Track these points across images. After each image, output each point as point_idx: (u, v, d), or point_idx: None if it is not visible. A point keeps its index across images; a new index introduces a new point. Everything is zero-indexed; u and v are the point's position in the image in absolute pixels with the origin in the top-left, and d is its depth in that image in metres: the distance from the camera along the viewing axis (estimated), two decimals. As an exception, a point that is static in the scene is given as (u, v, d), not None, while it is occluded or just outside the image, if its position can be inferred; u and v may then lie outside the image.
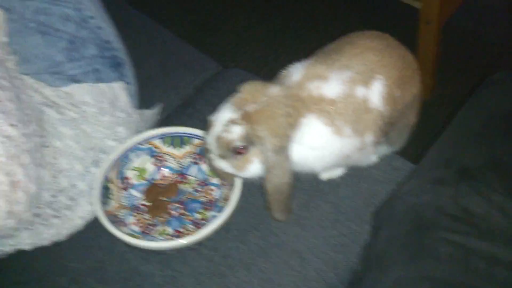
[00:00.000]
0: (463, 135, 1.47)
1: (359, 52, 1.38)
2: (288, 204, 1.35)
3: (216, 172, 1.38)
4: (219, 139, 1.29)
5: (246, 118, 1.26)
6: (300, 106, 1.30)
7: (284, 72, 1.40)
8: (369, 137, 1.37)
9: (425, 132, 2.48)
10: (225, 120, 1.28)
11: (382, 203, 1.46)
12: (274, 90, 1.29)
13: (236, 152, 1.29)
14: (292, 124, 1.28)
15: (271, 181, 1.30)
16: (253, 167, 1.32)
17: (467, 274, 1.13)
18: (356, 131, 1.34)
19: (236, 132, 1.27)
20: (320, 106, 1.31)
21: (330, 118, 1.31)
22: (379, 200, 1.49)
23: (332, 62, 1.36)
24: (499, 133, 1.41)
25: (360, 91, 1.33)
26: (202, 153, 1.51)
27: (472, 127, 1.47)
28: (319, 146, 1.34)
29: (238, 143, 1.28)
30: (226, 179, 1.43)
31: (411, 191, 1.36)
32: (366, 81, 1.34)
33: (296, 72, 1.36)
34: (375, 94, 1.34)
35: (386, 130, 1.40)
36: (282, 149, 1.27)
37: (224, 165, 1.34)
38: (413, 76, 1.45)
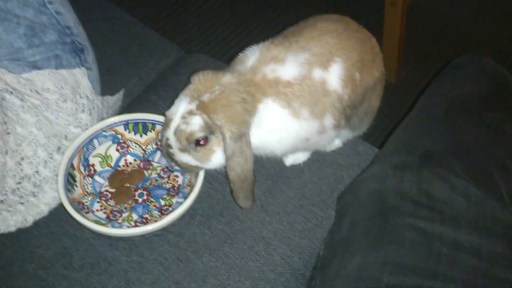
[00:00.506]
0: (425, 120, 1.48)
1: (316, 34, 1.37)
2: (252, 191, 1.35)
3: (179, 167, 1.36)
4: (179, 132, 1.28)
5: (203, 108, 1.25)
6: (255, 91, 1.29)
7: (240, 56, 1.39)
8: (329, 120, 1.37)
9: (390, 116, 2.52)
10: (183, 113, 1.27)
11: (346, 188, 1.48)
12: (226, 77, 1.29)
13: (198, 143, 1.28)
14: (248, 110, 1.28)
15: (233, 169, 1.29)
16: (216, 157, 1.32)
17: (430, 259, 1.14)
18: (313, 113, 1.34)
19: (196, 123, 1.26)
20: (276, 88, 1.30)
21: (287, 100, 1.31)
22: (343, 185, 1.51)
23: (289, 44, 1.35)
24: (461, 117, 1.43)
25: (317, 73, 1.33)
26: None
27: (435, 112, 1.48)
28: (277, 128, 1.34)
29: (199, 134, 1.27)
30: (191, 172, 1.42)
31: (373, 176, 1.37)
32: (323, 64, 1.34)
33: (251, 55, 1.35)
34: (333, 76, 1.34)
35: (348, 114, 1.40)
36: (241, 136, 1.26)
37: (187, 159, 1.32)
38: (374, 59, 1.46)
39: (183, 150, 1.30)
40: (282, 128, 1.34)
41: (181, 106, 1.28)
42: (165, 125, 1.32)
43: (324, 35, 1.37)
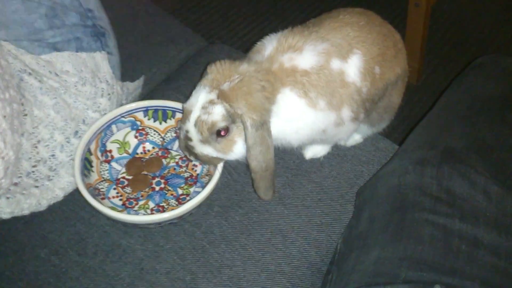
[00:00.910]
0: (447, 117, 1.47)
1: (338, 26, 1.35)
2: (273, 181, 1.33)
3: (199, 160, 1.34)
4: (200, 123, 1.25)
5: (223, 96, 1.23)
6: (273, 79, 1.27)
7: (257, 45, 1.37)
8: (346, 112, 1.34)
9: (411, 117, 2.50)
10: (203, 103, 1.24)
11: (365, 183, 1.46)
12: (244, 66, 1.26)
13: (219, 134, 1.26)
14: (268, 97, 1.25)
15: (255, 158, 1.27)
16: (238, 148, 1.29)
17: (449, 256, 1.12)
18: (331, 104, 1.31)
19: (217, 113, 1.23)
20: (293, 77, 1.28)
21: (304, 90, 1.28)
22: (362, 181, 1.49)
23: (309, 33, 1.33)
24: (482, 115, 1.41)
25: (335, 64, 1.31)
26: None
27: (457, 110, 1.46)
28: (294, 118, 1.31)
29: (222, 124, 1.24)
30: (211, 164, 1.39)
31: (394, 171, 1.34)
32: (342, 55, 1.31)
33: (268, 44, 1.33)
34: (352, 68, 1.32)
35: (367, 108, 1.38)
36: (262, 124, 1.24)
37: (208, 151, 1.29)
38: (397, 55, 1.43)
39: (204, 141, 1.27)
40: (299, 118, 1.32)
41: (201, 96, 1.25)
42: (184, 117, 1.29)
43: (345, 26, 1.35)
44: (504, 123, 1.39)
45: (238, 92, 1.22)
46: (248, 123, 1.22)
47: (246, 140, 1.26)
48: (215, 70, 1.26)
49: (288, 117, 1.31)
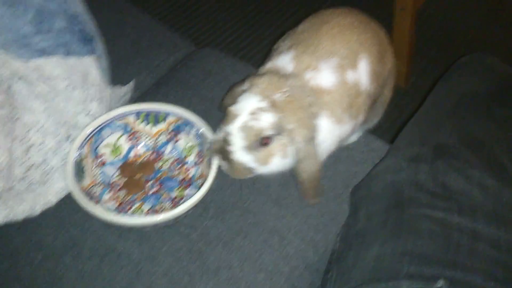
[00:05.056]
0: (436, 114, 1.48)
1: (337, 32, 1.35)
2: (320, 187, 1.34)
3: (230, 167, 1.31)
4: (246, 128, 1.24)
5: (275, 106, 1.23)
6: (315, 97, 1.28)
7: (270, 66, 1.36)
8: (360, 118, 1.37)
9: (399, 120, 2.50)
10: (253, 109, 1.23)
11: (359, 182, 1.45)
12: (290, 80, 1.27)
13: (261, 143, 1.25)
14: (314, 113, 1.26)
15: (306, 171, 1.28)
16: (274, 161, 1.29)
17: (449, 250, 1.12)
18: (351, 116, 1.34)
19: (267, 120, 1.23)
20: (322, 97, 1.29)
21: (331, 109, 1.30)
22: (357, 181, 1.48)
23: (314, 48, 1.33)
24: (470, 111, 1.43)
25: (350, 76, 1.32)
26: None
27: (445, 106, 1.48)
28: (325, 140, 1.33)
29: (269, 131, 1.23)
30: (240, 176, 1.34)
31: (388, 169, 1.35)
32: (352, 64, 1.33)
33: (287, 65, 1.33)
34: (362, 75, 1.34)
35: (370, 108, 1.40)
36: (311, 139, 1.25)
37: (246, 159, 1.28)
38: (386, 50, 1.46)
39: (246, 148, 1.26)
40: (329, 138, 1.34)
41: (250, 103, 1.24)
42: (227, 120, 1.27)
43: (343, 32, 1.36)
44: (491, 119, 1.40)
45: (289, 105, 1.23)
46: (299, 138, 1.23)
47: (296, 154, 1.26)
48: (266, 81, 1.26)
49: (321, 139, 1.31)
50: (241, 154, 1.27)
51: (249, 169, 1.31)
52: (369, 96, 1.36)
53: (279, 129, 1.24)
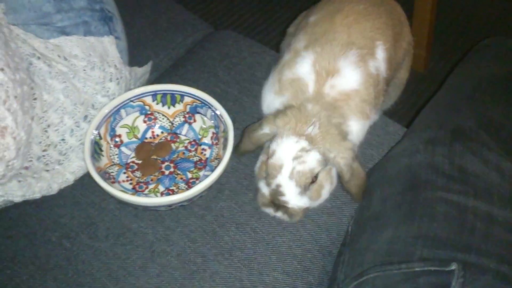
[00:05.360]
0: (455, 97, 1.47)
1: (353, 20, 1.34)
2: (366, 187, 1.35)
3: (287, 217, 1.29)
4: (297, 174, 1.22)
5: (313, 142, 1.22)
6: (338, 112, 1.28)
7: (289, 75, 1.35)
8: (380, 103, 1.39)
9: (417, 106, 2.48)
10: (295, 153, 1.22)
11: (374, 165, 1.46)
12: (310, 107, 1.25)
13: (313, 180, 1.25)
14: (345, 131, 1.27)
15: (355, 185, 1.29)
16: (325, 192, 1.30)
17: (464, 233, 1.11)
18: (376, 105, 1.35)
19: (313, 159, 1.22)
20: (348, 103, 1.29)
21: (359, 111, 1.30)
22: (373, 164, 1.49)
23: (331, 45, 1.31)
24: (489, 95, 1.42)
25: (372, 66, 1.32)
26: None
27: (463, 90, 1.47)
28: (356, 137, 1.34)
29: (318, 169, 1.23)
30: (295, 219, 1.31)
31: (404, 152, 1.35)
32: (371, 53, 1.32)
33: (307, 78, 1.31)
34: (381, 62, 1.34)
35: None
36: (353, 159, 1.25)
37: (304, 202, 1.27)
38: (402, 30, 1.44)
39: (302, 192, 1.25)
40: (360, 136, 1.35)
41: (290, 147, 1.22)
42: (270, 175, 1.25)
43: (358, 20, 1.35)
44: (510, 101, 1.39)
45: (324, 135, 1.22)
46: (342, 164, 1.23)
47: (343, 176, 1.26)
48: (293, 120, 1.23)
49: (358, 139, 1.34)
50: (296, 200, 1.26)
51: (306, 209, 1.31)
52: (386, 82, 1.36)
53: (325, 162, 1.24)
